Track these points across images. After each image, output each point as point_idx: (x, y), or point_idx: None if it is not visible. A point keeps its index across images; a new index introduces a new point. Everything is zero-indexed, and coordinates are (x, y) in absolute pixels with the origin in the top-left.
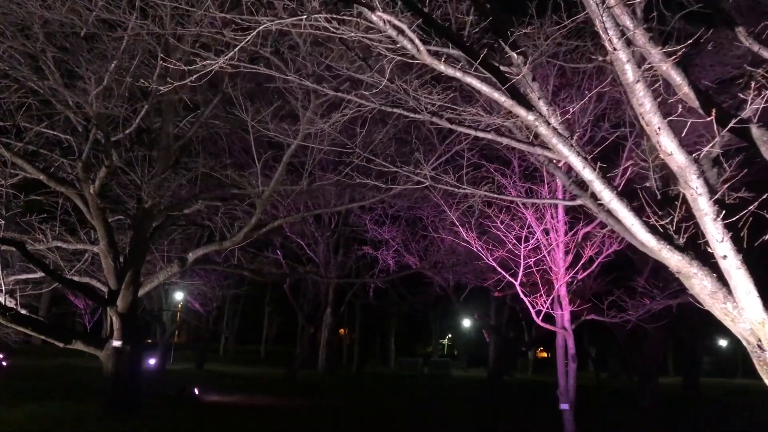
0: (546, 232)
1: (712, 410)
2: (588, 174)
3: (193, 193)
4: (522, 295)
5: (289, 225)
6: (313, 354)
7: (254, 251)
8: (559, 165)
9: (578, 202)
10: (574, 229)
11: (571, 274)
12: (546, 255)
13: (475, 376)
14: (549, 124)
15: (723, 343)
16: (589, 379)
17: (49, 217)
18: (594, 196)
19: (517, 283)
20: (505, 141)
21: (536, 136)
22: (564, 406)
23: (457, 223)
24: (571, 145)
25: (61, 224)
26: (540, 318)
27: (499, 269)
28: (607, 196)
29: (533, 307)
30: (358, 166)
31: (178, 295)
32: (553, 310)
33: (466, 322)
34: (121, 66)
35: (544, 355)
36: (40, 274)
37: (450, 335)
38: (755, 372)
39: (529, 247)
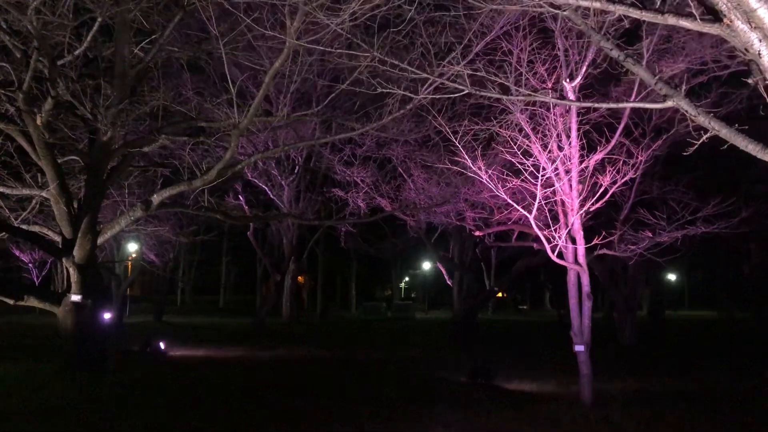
0: (553, 161)
1: (692, 341)
2: None
3: (155, 127)
4: (536, 230)
5: (252, 168)
6: (275, 302)
7: (216, 198)
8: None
9: (669, 104)
10: (590, 157)
11: (587, 206)
12: (558, 186)
13: (440, 318)
14: None
15: (671, 277)
16: (547, 317)
17: None
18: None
19: (531, 217)
20: (620, 10)
21: None
22: (579, 348)
23: (464, 152)
24: None
25: (2, 167)
26: (555, 254)
27: (512, 203)
28: None
29: (549, 243)
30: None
31: (131, 246)
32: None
33: (426, 265)
34: None
35: (499, 295)
36: None
37: (407, 278)
38: (701, 304)
39: (546, 176)
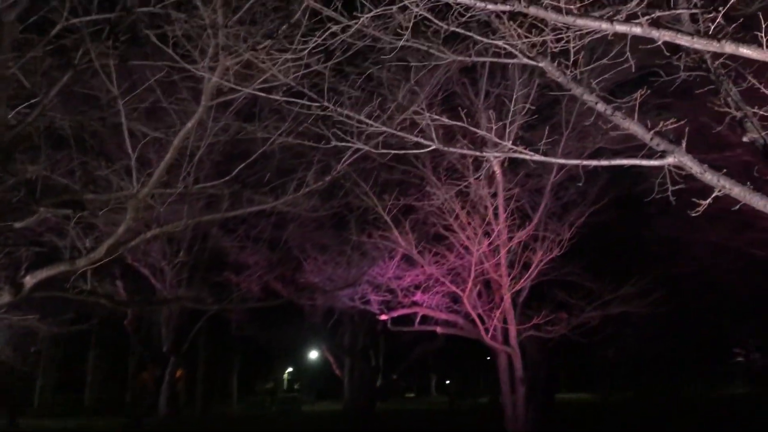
0: (483, 236)
1: (590, 424)
2: None
3: (33, 198)
4: (470, 310)
5: (131, 251)
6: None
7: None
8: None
9: (669, 160)
10: (517, 234)
11: (521, 283)
12: (486, 265)
13: (329, 410)
14: None
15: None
16: (437, 404)
17: None
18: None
19: (465, 296)
20: (666, 36)
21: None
22: None
23: (392, 224)
24: None
25: None
26: (489, 336)
27: (447, 281)
28: None
29: (482, 324)
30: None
31: None
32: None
33: (313, 354)
34: None
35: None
36: None
37: (291, 369)
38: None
39: (481, 251)
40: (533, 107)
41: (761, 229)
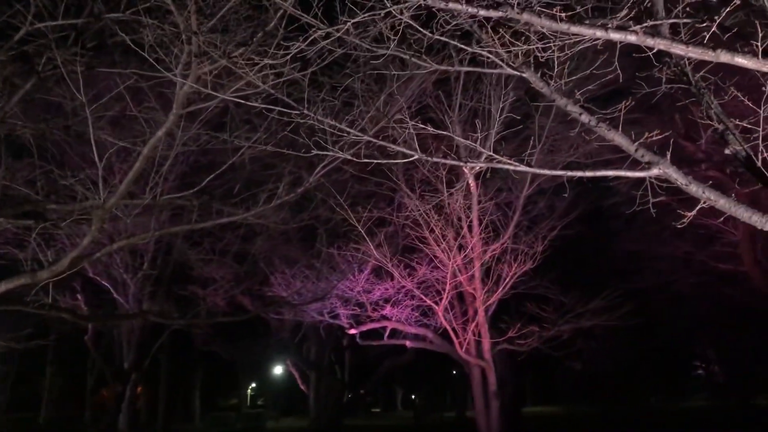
0: (451, 250)
1: None
2: None
3: None
4: (445, 324)
5: (93, 265)
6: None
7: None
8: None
9: (654, 172)
10: (490, 247)
11: (494, 297)
12: (460, 277)
13: (294, 426)
14: None
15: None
16: (403, 419)
17: None
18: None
19: (439, 309)
20: (661, 45)
21: None
22: None
23: (366, 238)
24: None
25: None
26: (463, 349)
27: (420, 294)
28: None
29: (457, 338)
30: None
31: None
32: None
33: (278, 369)
34: None
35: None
36: None
37: (254, 384)
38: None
39: (455, 264)
40: (518, 117)
41: (725, 243)
